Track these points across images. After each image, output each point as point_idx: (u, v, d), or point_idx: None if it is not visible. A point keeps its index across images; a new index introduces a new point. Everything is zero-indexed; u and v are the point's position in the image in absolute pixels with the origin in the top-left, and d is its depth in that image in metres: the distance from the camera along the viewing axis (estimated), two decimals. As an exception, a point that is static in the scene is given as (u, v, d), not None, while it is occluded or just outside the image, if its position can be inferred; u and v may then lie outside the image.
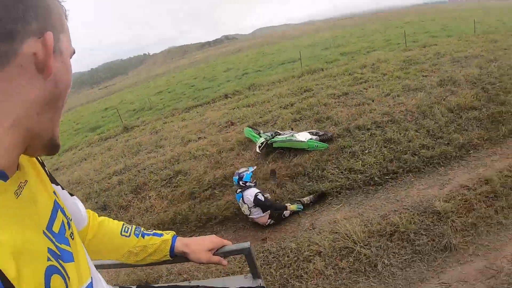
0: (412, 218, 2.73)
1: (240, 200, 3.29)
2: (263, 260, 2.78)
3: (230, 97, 9.58)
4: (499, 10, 22.37)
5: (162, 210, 4.02)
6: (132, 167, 5.58)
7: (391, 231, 2.66)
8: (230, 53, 47.15)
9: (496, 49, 7.33)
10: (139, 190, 4.66)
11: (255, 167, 3.60)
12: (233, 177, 3.39)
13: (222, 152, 5.00)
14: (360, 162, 3.77)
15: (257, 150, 4.31)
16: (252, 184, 3.29)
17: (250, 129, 5.01)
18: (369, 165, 3.66)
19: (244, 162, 4.45)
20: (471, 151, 3.59)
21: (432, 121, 4.26)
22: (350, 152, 4.03)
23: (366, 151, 3.96)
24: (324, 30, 37.49)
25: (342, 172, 3.72)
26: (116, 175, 5.42)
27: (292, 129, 4.72)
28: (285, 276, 2.56)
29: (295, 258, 2.68)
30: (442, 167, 3.44)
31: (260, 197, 3.16)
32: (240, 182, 3.26)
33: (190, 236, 1.09)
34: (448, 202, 2.79)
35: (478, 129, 3.91)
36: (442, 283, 2.17)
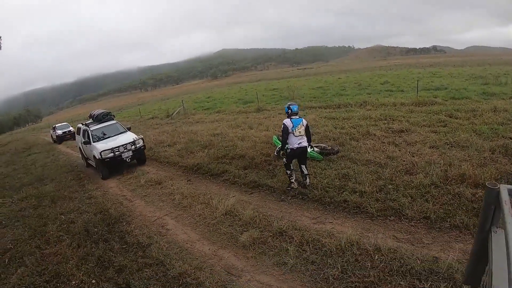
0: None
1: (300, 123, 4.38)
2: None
3: (337, 107, 11.12)
4: None
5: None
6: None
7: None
8: (428, 65, 40.14)
9: None
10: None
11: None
12: (292, 106, 4.46)
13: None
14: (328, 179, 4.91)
15: (274, 153, 6.33)
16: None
17: (276, 137, 7.00)
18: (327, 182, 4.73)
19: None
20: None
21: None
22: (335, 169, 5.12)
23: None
24: None
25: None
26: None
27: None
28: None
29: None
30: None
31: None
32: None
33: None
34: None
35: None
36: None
